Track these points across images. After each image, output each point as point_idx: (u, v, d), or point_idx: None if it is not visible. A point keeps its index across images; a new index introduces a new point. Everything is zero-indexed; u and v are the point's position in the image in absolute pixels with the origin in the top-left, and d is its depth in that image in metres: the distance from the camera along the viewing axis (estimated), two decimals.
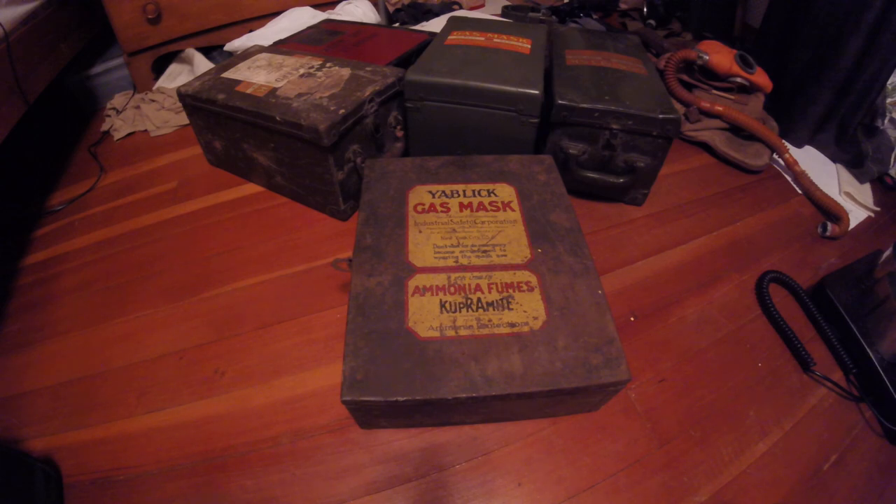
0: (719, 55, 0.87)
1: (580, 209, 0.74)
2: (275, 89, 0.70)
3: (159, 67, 1.09)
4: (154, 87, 1.07)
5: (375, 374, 0.42)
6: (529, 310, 0.47)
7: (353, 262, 0.52)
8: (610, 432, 0.51)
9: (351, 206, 0.74)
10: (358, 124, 0.68)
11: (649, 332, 0.60)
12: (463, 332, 0.45)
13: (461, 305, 0.47)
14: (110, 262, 0.72)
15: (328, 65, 0.76)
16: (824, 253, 0.72)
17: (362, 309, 0.47)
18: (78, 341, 0.62)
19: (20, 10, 0.81)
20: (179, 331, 0.62)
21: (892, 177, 0.83)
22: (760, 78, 0.87)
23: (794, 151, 0.87)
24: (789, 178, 0.85)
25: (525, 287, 0.49)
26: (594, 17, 1.37)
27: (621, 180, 0.69)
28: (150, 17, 0.96)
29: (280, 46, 0.88)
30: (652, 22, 1.27)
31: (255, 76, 0.74)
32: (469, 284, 0.49)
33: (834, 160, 0.90)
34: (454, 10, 1.31)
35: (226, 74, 0.76)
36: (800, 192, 0.82)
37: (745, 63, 0.86)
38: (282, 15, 1.06)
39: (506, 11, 1.15)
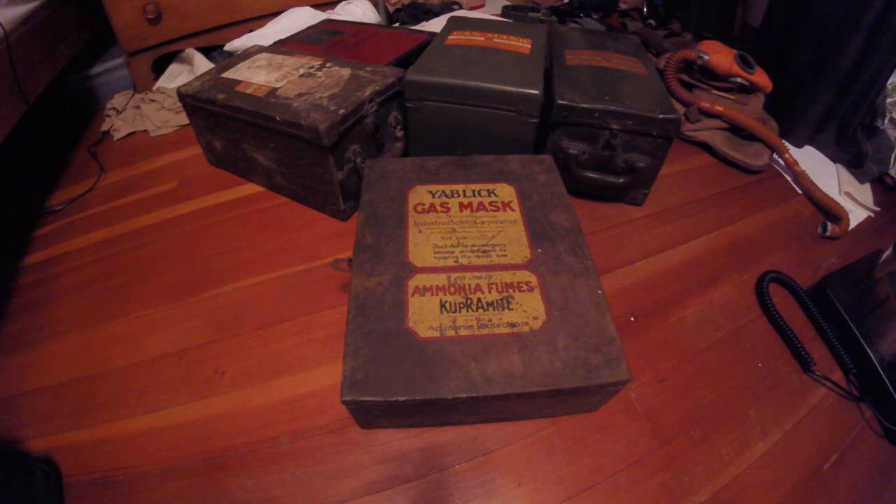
0: (719, 55, 0.87)
1: (580, 209, 0.74)
2: (275, 89, 0.70)
3: (159, 67, 1.09)
4: (154, 87, 1.07)
5: (375, 374, 0.42)
6: (529, 310, 0.47)
7: (353, 262, 0.52)
8: (610, 432, 0.51)
9: (351, 206, 0.74)
10: (358, 124, 0.68)
11: (649, 332, 0.60)
12: (463, 332, 0.45)
13: (461, 305, 0.47)
14: (110, 262, 0.72)
15: (328, 65, 0.76)
16: (824, 253, 0.72)
17: (362, 309, 0.47)
18: (78, 341, 0.62)
19: (20, 10, 0.81)
20: (179, 331, 0.62)
21: (892, 177, 0.83)
22: (760, 78, 0.87)
23: (794, 151, 0.87)
24: (789, 178, 0.85)
25: (525, 287, 0.49)
26: (594, 17, 1.37)
27: (621, 180, 0.69)
28: (150, 17, 0.96)
29: (280, 46, 0.88)
30: (652, 22, 1.27)
31: (255, 76, 0.74)
32: (469, 284, 0.49)
33: (834, 160, 0.90)
34: (454, 10, 1.31)
35: (226, 74, 0.76)
36: (800, 192, 0.82)
37: (745, 63, 0.86)
38: (282, 15, 1.06)
39: (506, 11, 1.15)
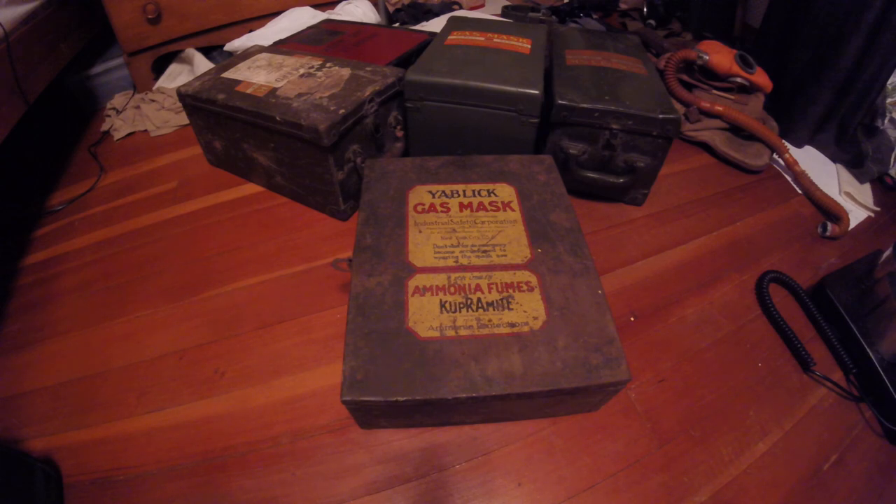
0: (719, 55, 0.87)
1: (580, 209, 0.74)
2: (275, 89, 0.70)
3: (159, 67, 1.09)
4: (154, 87, 1.07)
5: (375, 374, 0.42)
6: (529, 310, 0.47)
7: (353, 262, 0.52)
8: (610, 432, 0.51)
9: (351, 206, 0.74)
10: (358, 124, 0.68)
11: (649, 332, 0.60)
12: (463, 332, 0.45)
13: (461, 305, 0.47)
14: (110, 262, 0.72)
15: (328, 65, 0.76)
16: (824, 253, 0.72)
17: (362, 309, 0.47)
18: (78, 341, 0.62)
19: (20, 10, 0.81)
20: (179, 331, 0.62)
21: (892, 177, 0.83)
22: (760, 78, 0.87)
23: (794, 151, 0.87)
24: (789, 178, 0.85)
25: (525, 287, 0.49)
26: (594, 17, 1.37)
27: (621, 180, 0.69)
28: (150, 17, 0.96)
29: (280, 46, 0.88)
30: (652, 22, 1.27)
31: (255, 76, 0.74)
32: (469, 284, 0.49)
33: (834, 160, 0.90)
34: (454, 10, 1.31)
35: (226, 74, 0.76)
36: (800, 192, 0.82)
37: (745, 63, 0.86)
38: (282, 15, 1.06)
39: (506, 11, 1.15)
